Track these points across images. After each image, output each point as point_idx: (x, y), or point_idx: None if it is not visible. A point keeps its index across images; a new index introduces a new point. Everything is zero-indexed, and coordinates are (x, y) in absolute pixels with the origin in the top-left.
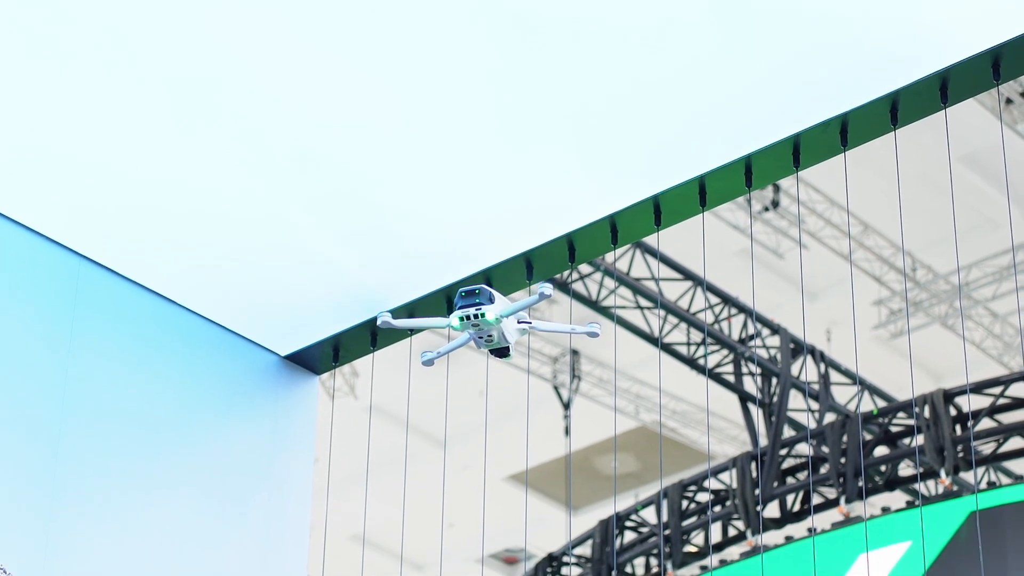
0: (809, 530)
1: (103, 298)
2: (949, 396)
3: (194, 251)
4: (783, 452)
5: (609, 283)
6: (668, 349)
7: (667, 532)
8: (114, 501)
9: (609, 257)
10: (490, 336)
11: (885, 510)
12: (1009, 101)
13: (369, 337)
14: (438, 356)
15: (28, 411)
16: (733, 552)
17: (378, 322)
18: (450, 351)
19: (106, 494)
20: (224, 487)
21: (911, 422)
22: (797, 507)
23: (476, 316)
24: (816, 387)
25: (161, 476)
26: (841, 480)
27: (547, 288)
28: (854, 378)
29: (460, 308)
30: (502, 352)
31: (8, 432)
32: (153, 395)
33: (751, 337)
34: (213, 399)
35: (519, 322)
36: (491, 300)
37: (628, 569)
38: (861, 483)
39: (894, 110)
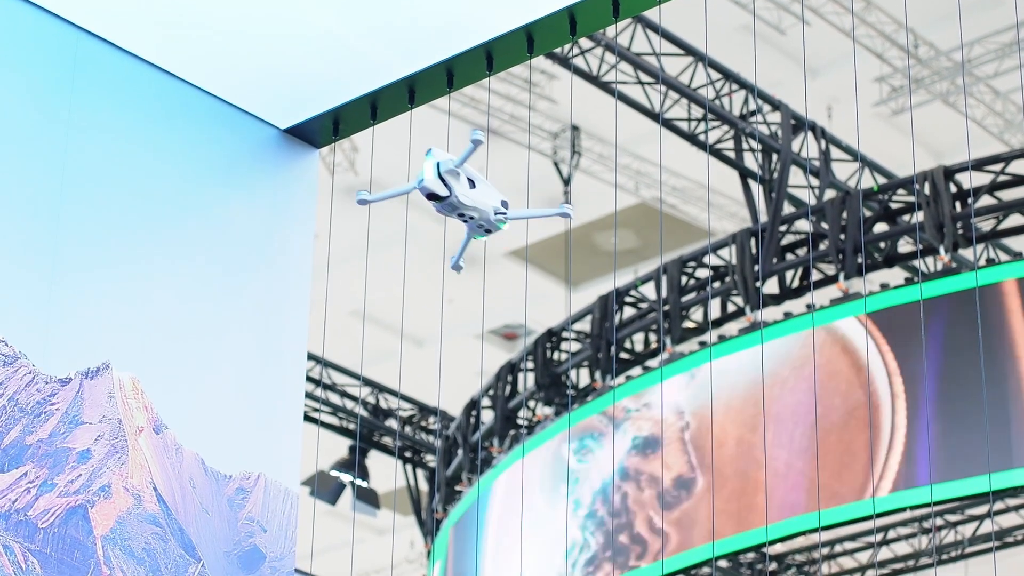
0: (808, 306)
1: (101, 71)
2: (949, 173)
3: (192, 22)
4: (783, 228)
5: (610, 58)
6: (669, 125)
7: (666, 308)
8: (114, 271)
9: (610, 31)
10: (472, 216)
11: (884, 286)
12: None
13: (369, 110)
14: (376, 200)
15: (28, 183)
16: (732, 328)
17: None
18: (392, 196)
19: (106, 265)
20: (224, 261)
21: (911, 199)
22: (796, 283)
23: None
24: (816, 163)
25: (161, 247)
26: (840, 256)
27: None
28: (855, 155)
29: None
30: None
31: (9, 202)
32: (152, 168)
33: (752, 113)
34: (213, 172)
35: (496, 213)
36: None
37: (627, 344)
38: (860, 259)
39: None
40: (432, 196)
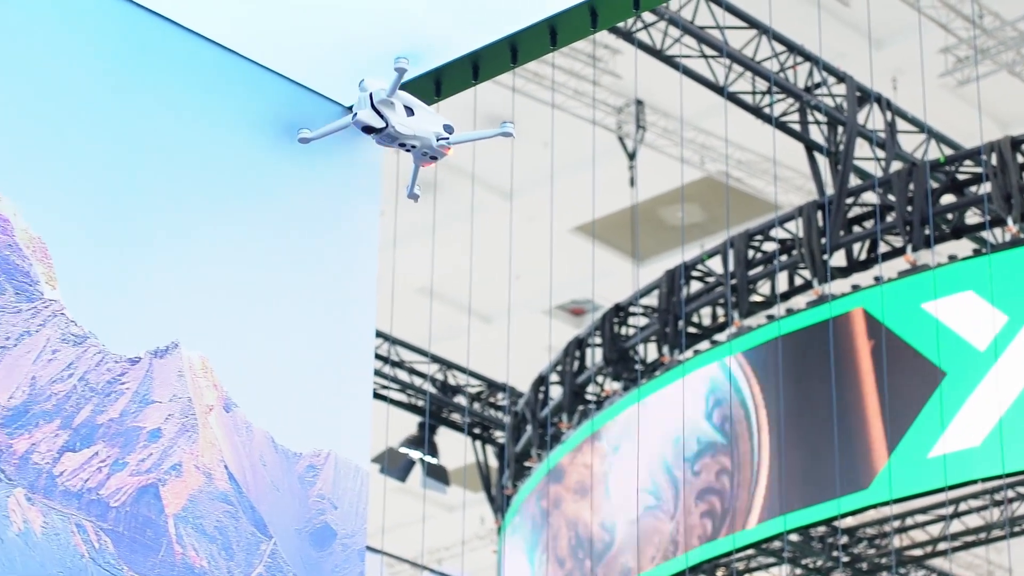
0: (875, 278)
1: (169, 51)
2: (1016, 143)
3: (256, 2)
4: (849, 201)
5: (674, 32)
6: (733, 98)
7: (733, 282)
8: (181, 251)
9: (674, 5)
10: (414, 145)
11: (952, 258)
12: None
13: (433, 87)
14: (316, 137)
15: (95, 166)
16: (799, 301)
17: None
18: (331, 132)
19: (173, 245)
20: (290, 240)
21: (978, 170)
22: (864, 256)
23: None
24: (882, 135)
25: (227, 227)
26: (908, 228)
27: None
28: (921, 126)
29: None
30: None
31: (77, 191)
32: (219, 147)
33: (817, 86)
34: (279, 151)
35: (439, 139)
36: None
37: (695, 319)
38: (928, 231)
39: None
40: (368, 129)
